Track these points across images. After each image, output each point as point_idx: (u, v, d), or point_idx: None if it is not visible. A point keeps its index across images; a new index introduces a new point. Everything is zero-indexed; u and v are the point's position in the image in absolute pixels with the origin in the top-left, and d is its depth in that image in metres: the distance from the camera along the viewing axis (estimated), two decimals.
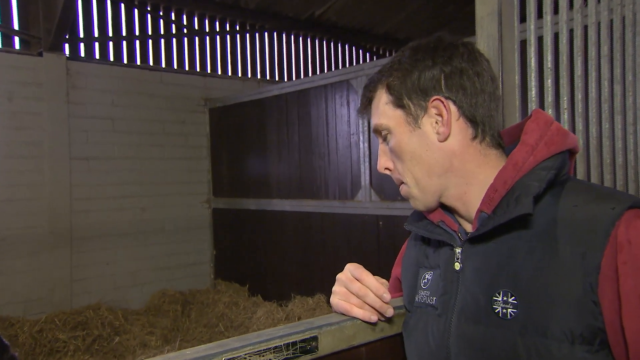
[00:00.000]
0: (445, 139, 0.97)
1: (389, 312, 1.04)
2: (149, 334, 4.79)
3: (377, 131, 1.05)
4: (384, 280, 1.08)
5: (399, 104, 0.99)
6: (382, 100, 1.02)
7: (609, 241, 0.81)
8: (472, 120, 0.97)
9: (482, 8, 1.32)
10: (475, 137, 0.97)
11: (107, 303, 5.10)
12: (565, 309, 0.82)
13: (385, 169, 1.06)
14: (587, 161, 1.45)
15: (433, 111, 0.97)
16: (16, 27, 5.14)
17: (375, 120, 1.04)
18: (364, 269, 1.06)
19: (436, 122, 0.97)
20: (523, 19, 1.43)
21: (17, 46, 5.17)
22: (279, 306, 5.05)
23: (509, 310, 0.87)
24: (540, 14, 1.41)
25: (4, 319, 4.55)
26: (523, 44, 1.37)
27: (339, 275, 1.08)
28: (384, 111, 1.02)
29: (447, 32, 1.04)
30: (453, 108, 0.96)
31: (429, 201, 1.02)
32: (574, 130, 1.43)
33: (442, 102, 0.96)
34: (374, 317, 1.03)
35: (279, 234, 5.34)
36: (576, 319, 0.82)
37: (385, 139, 1.04)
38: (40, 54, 5.03)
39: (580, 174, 1.45)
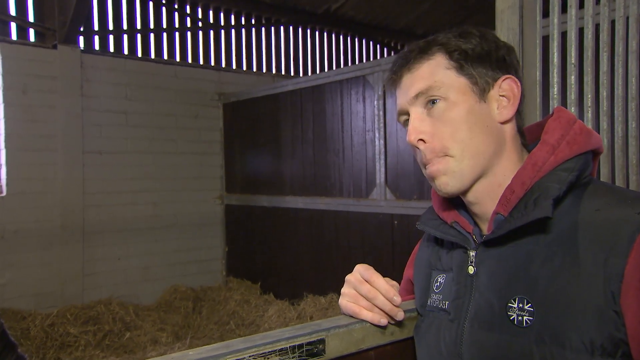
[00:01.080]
0: (507, 122, 0.95)
1: (399, 315, 1.02)
2: (160, 330, 4.84)
3: (423, 94, 0.94)
4: (394, 283, 1.06)
5: (465, 72, 0.93)
6: (442, 64, 0.94)
7: (633, 248, 0.78)
8: (519, 111, 0.96)
9: (502, 1, 1.29)
10: (519, 130, 0.97)
11: (118, 298, 5.15)
12: (585, 319, 0.80)
13: (420, 140, 0.94)
14: (612, 162, 1.41)
15: (499, 90, 0.94)
16: (31, 19, 5.20)
17: (427, 82, 0.94)
18: (373, 270, 1.04)
19: (502, 96, 0.95)
20: (545, 13, 1.40)
21: (31, 38, 5.23)
22: (291, 305, 5.05)
23: (525, 317, 0.85)
24: (564, 9, 1.38)
25: (15, 312, 4.63)
26: (545, 39, 1.33)
27: (348, 277, 1.06)
28: (444, 76, 0.93)
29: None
30: (519, 93, 0.95)
31: (467, 180, 0.94)
32: (598, 129, 1.39)
33: (515, 83, 0.94)
34: (383, 321, 1.01)
35: (291, 232, 5.34)
36: (596, 329, 0.79)
37: (432, 104, 0.94)
38: (54, 47, 5.09)
39: (605, 175, 1.41)
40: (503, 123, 0.95)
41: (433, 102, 0.94)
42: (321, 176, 5.04)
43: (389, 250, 4.38)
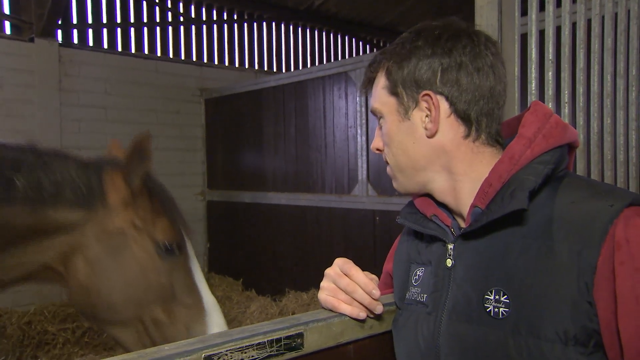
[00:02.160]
0: (433, 135, 0.96)
1: (378, 309, 1.02)
2: None
3: (374, 113, 1.06)
4: (373, 276, 1.06)
5: (393, 91, 0.99)
6: (380, 83, 1.02)
7: (606, 239, 0.79)
8: (464, 118, 0.95)
9: None
10: (467, 136, 0.95)
11: None
12: (559, 309, 0.81)
13: (377, 149, 1.08)
14: (588, 157, 1.43)
15: (424, 105, 0.96)
16: (7, 11, 5.08)
17: (372, 103, 1.06)
18: (353, 264, 1.04)
19: (426, 116, 0.96)
20: (524, 11, 1.41)
21: (7, 31, 5.12)
22: (273, 301, 5.04)
23: (501, 309, 0.86)
24: (542, 7, 1.39)
25: None
26: (524, 37, 1.34)
27: (327, 270, 1.06)
28: (380, 96, 1.02)
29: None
30: (444, 105, 0.95)
31: (410, 188, 1.05)
32: (574, 124, 1.41)
33: (432, 98, 0.94)
34: (362, 314, 1.01)
35: (274, 228, 5.32)
36: (570, 320, 0.80)
37: (380, 122, 1.06)
38: (31, 40, 4.98)
39: (581, 170, 1.43)
40: (432, 137, 0.97)
41: (379, 120, 1.05)
42: (303, 172, 5.03)
43: (370, 246, 4.40)
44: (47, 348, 4.31)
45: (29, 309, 4.63)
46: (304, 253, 5.03)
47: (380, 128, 1.05)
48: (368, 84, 1.07)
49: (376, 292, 1.01)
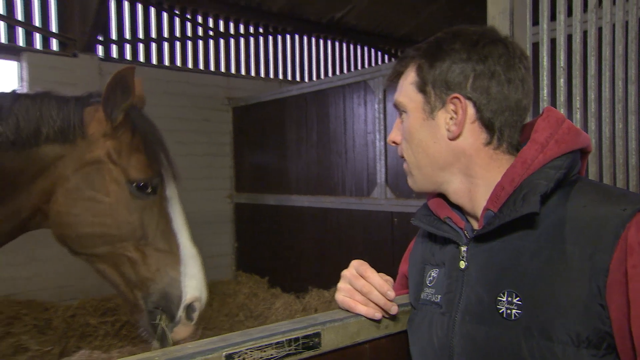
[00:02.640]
0: (455, 138, 0.93)
1: (393, 309, 1.00)
2: None
3: (396, 106, 1.02)
4: (388, 278, 1.04)
5: (422, 89, 0.95)
6: (409, 79, 0.98)
7: (618, 243, 0.76)
8: (488, 126, 0.91)
9: (493, 7, 1.26)
10: (489, 143, 0.92)
11: None
12: (572, 312, 0.77)
13: (393, 142, 1.04)
14: (600, 161, 1.38)
15: (450, 107, 0.92)
16: (54, 29, 5.22)
17: (396, 96, 1.01)
18: (368, 265, 1.02)
19: (450, 119, 0.92)
20: (535, 21, 1.37)
21: (54, 48, 5.25)
22: (297, 298, 5.04)
23: (514, 311, 0.83)
24: (553, 16, 1.35)
25: (39, 304, 4.64)
26: (535, 46, 1.31)
27: (344, 272, 1.04)
28: (407, 91, 0.98)
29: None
30: (471, 110, 0.91)
31: (425, 186, 1.01)
32: (586, 130, 1.36)
33: (460, 102, 0.91)
34: (377, 315, 0.99)
35: (297, 229, 5.32)
36: (582, 323, 0.77)
37: (401, 116, 1.01)
38: (75, 55, 5.10)
39: (593, 174, 1.38)
40: (454, 139, 0.93)
41: (401, 114, 1.01)
42: (325, 176, 5.02)
43: (389, 247, 4.36)
44: (89, 339, 4.39)
45: (72, 303, 4.72)
46: (325, 253, 5.01)
47: (402, 122, 1.01)
48: (395, 77, 1.02)
49: (391, 293, 0.99)
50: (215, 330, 4.81)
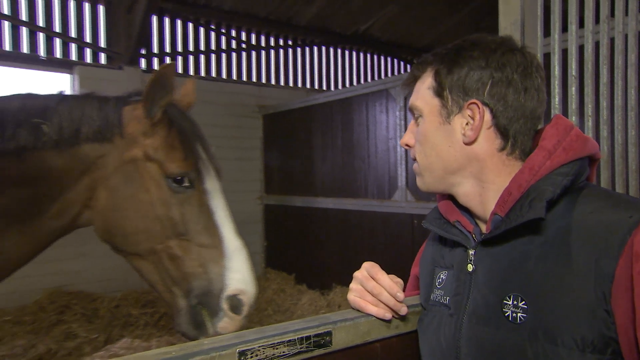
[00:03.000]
0: (471, 143, 0.90)
1: (403, 310, 0.98)
2: None
3: (412, 110, 0.99)
4: (399, 280, 1.03)
5: (439, 93, 0.92)
6: (426, 83, 0.95)
7: (624, 250, 0.72)
8: (503, 132, 0.88)
9: (505, 18, 1.22)
10: (502, 149, 0.89)
11: None
12: (577, 317, 0.74)
13: (406, 145, 1.01)
14: (612, 168, 1.32)
15: (467, 112, 0.89)
16: (103, 44, 5.39)
17: (412, 100, 0.98)
18: (379, 268, 1.01)
19: (467, 124, 0.90)
20: (546, 32, 1.32)
21: (102, 61, 5.42)
22: (322, 295, 5.03)
23: (519, 314, 0.80)
24: (565, 28, 1.30)
25: (87, 295, 4.78)
26: (546, 56, 1.26)
27: (356, 273, 1.03)
28: (424, 95, 0.95)
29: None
30: (488, 116, 0.88)
31: (435, 188, 0.98)
32: (598, 136, 1.31)
33: (478, 107, 0.88)
34: (387, 315, 0.97)
35: (322, 229, 5.32)
36: (588, 327, 0.73)
37: (416, 119, 0.98)
38: (120, 68, 5.25)
39: (605, 180, 1.33)
40: (469, 144, 0.90)
41: (417, 118, 0.98)
42: (349, 179, 5.00)
43: (409, 248, 4.30)
44: (131, 329, 4.49)
45: (116, 295, 4.84)
46: (348, 252, 4.99)
47: (416, 125, 0.98)
48: (412, 81, 0.99)
49: (400, 295, 0.97)
50: (245, 323, 4.85)
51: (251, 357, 0.72)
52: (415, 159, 0.99)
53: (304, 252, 5.58)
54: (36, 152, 1.42)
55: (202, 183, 1.57)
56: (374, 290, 0.98)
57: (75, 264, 4.92)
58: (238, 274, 1.47)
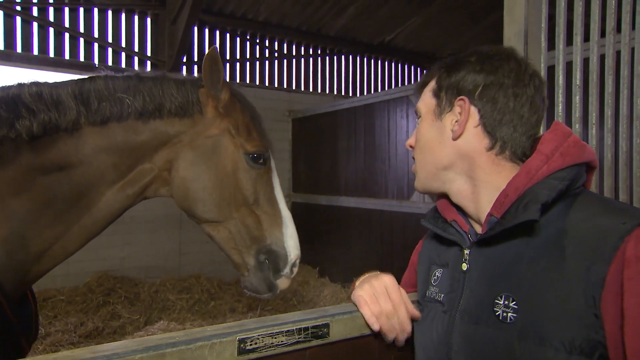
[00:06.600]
0: (457, 138, 0.88)
1: (401, 340, 0.94)
2: (237, 302, 4.95)
3: (416, 113, 1.00)
4: (415, 313, 0.97)
5: (437, 94, 0.93)
6: (429, 87, 0.96)
7: (616, 256, 0.69)
8: (490, 133, 0.86)
9: (509, 29, 1.19)
10: (491, 149, 0.87)
11: (206, 274, 5.34)
12: (566, 320, 0.72)
13: (409, 146, 1.01)
14: (616, 175, 1.26)
15: (457, 109, 0.89)
16: (149, 53, 5.56)
17: (417, 104, 0.99)
18: (398, 287, 0.96)
19: (456, 121, 0.89)
20: (552, 46, 1.26)
21: (148, 68, 5.59)
22: (343, 288, 5.02)
23: (509, 314, 0.78)
24: (569, 40, 1.24)
25: (130, 280, 4.94)
26: (550, 68, 1.21)
27: (373, 281, 0.96)
28: (425, 97, 0.96)
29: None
30: (475, 116, 0.87)
31: (429, 186, 0.97)
32: (602, 144, 1.25)
33: (465, 103, 0.87)
34: (389, 337, 0.93)
35: (345, 226, 5.31)
36: (576, 331, 0.71)
37: (418, 121, 0.99)
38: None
39: (608, 187, 1.27)
40: (456, 139, 0.88)
41: (419, 117, 0.98)
42: (370, 180, 4.97)
43: None
44: (168, 312, 4.60)
45: (156, 281, 4.97)
46: (369, 248, 4.96)
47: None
48: (421, 88, 1.00)
49: (408, 328, 0.94)
50: (272, 311, 4.89)
51: (250, 345, 0.72)
52: (414, 159, 0.99)
53: (328, 247, 5.58)
54: (122, 122, 1.47)
55: (270, 162, 1.70)
56: (386, 309, 0.93)
57: (120, 251, 5.09)
58: (292, 239, 1.62)
